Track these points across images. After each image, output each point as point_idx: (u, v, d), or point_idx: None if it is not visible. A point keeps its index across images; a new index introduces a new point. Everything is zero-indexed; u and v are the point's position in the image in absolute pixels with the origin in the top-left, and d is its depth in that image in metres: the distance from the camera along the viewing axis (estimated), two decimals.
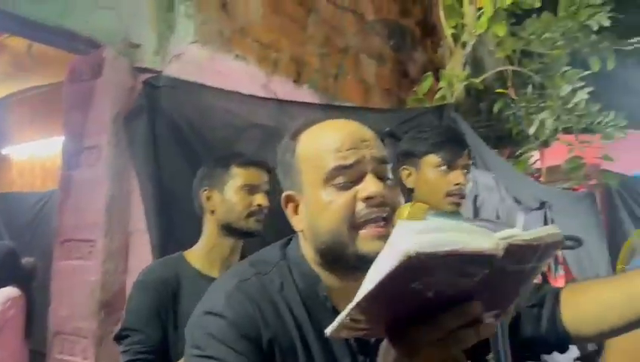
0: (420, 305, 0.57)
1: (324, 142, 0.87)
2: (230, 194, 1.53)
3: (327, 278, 0.89)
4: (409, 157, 1.58)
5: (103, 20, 1.90)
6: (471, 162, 1.54)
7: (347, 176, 0.84)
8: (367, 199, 0.83)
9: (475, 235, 0.53)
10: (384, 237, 0.82)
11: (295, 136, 0.91)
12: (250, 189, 1.53)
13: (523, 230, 0.57)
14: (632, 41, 3.14)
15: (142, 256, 1.84)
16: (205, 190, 1.57)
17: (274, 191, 1.58)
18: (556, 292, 0.99)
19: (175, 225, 1.80)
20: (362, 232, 0.83)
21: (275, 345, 0.83)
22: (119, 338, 1.46)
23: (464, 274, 0.54)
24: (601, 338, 0.96)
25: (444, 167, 1.49)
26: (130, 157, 1.91)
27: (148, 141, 1.88)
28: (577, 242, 0.73)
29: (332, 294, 0.89)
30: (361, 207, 0.83)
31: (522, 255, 0.55)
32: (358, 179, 0.85)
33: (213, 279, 1.50)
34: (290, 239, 0.96)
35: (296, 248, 0.92)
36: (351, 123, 0.91)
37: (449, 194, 1.49)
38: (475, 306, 0.57)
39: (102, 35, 1.91)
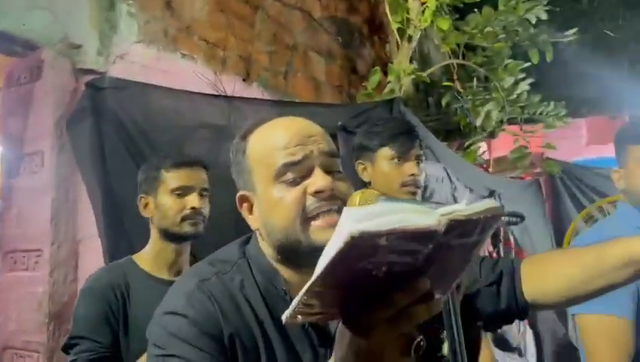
0: (370, 285, 0.58)
1: (273, 141, 0.89)
2: (163, 200, 1.51)
3: (285, 273, 0.90)
4: (363, 151, 1.61)
5: (40, 21, 1.82)
6: (422, 152, 1.59)
7: (296, 171, 0.86)
8: (317, 193, 0.85)
9: (418, 213, 0.54)
10: (335, 225, 0.83)
11: (245, 136, 0.93)
12: (182, 192, 1.50)
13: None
14: (568, 33, 3.28)
15: (93, 263, 1.78)
16: (142, 197, 1.55)
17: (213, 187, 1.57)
18: (512, 268, 1.03)
19: (126, 230, 1.76)
20: (314, 223, 0.85)
21: (237, 341, 0.84)
22: (68, 347, 1.43)
23: (409, 251, 0.55)
24: (562, 306, 1.02)
25: (397, 159, 1.54)
26: (76, 162, 1.85)
27: (93, 145, 1.82)
28: (520, 218, 0.76)
29: (291, 288, 0.89)
30: (311, 201, 0.85)
31: (464, 229, 0.57)
32: (307, 174, 0.86)
33: (163, 281, 1.51)
34: (250, 237, 0.97)
35: (255, 245, 0.93)
36: (298, 120, 0.93)
37: (404, 185, 1.53)
38: (423, 282, 0.58)
39: (39, 37, 1.84)
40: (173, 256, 1.54)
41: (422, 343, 0.62)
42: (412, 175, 1.52)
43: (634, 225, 1.29)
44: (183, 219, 1.49)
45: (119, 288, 1.46)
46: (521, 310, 1.01)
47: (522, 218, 0.75)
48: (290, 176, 0.86)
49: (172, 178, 1.51)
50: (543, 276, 1.00)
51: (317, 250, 0.82)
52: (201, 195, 1.53)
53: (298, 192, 0.85)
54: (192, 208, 1.49)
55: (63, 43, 1.90)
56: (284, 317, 0.60)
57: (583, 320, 1.32)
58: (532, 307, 1.01)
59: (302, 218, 0.84)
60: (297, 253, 0.85)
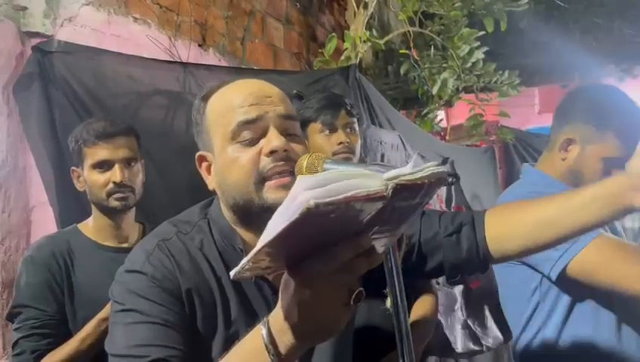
0: (316, 240, 0.61)
1: (229, 101, 0.91)
2: (87, 176, 1.50)
3: (243, 234, 0.94)
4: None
5: None
6: (354, 119, 1.64)
7: (252, 131, 0.88)
8: (271, 153, 0.87)
9: (366, 178, 0.57)
10: (289, 187, 0.86)
11: (206, 97, 0.95)
12: (102, 166, 1.49)
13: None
14: (521, 2, 3.34)
15: (45, 231, 1.76)
16: (73, 170, 1.55)
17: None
18: (472, 218, 1.04)
19: (78, 197, 1.73)
20: (268, 183, 0.87)
21: (195, 295, 0.88)
22: (12, 316, 1.44)
23: (359, 213, 0.58)
24: (529, 253, 1.02)
25: (327, 131, 1.60)
26: (23, 128, 1.80)
27: (42, 110, 1.78)
28: (456, 178, 0.81)
29: (247, 247, 0.93)
30: (265, 161, 0.87)
31: (409, 192, 0.60)
32: (263, 135, 0.88)
33: (109, 248, 1.53)
34: (213, 199, 1.00)
35: (217, 207, 0.97)
36: (257, 81, 0.95)
37: (335, 154, 1.57)
38: (366, 239, 0.62)
39: None
40: (111, 226, 1.55)
41: (361, 294, 0.66)
42: (340, 143, 1.57)
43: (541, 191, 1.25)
44: (109, 194, 1.49)
45: (62, 256, 1.47)
46: (483, 259, 1.02)
47: (458, 177, 0.79)
48: (245, 135, 0.88)
49: (91, 153, 1.49)
50: (508, 219, 1.01)
51: (268, 210, 0.85)
52: (129, 165, 1.51)
53: (254, 152, 0.87)
54: (114, 183, 1.48)
55: (8, 4, 1.82)
56: (232, 274, 0.63)
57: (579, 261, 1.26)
58: (497, 256, 1.02)
59: (256, 178, 0.87)
60: (250, 212, 0.89)
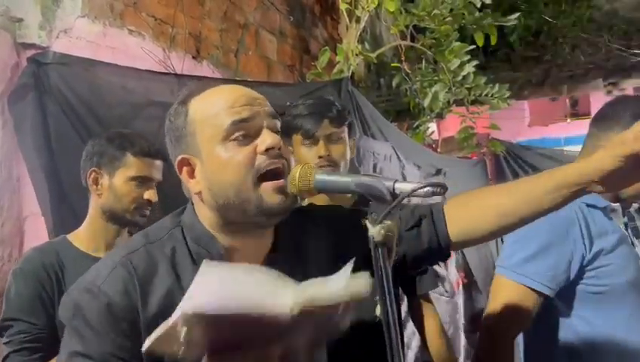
0: (239, 335, 0.67)
1: (218, 102, 0.91)
2: (120, 183, 1.48)
3: (223, 240, 0.93)
4: (285, 139, 1.62)
5: None
6: (340, 129, 1.55)
7: (245, 130, 0.90)
8: (267, 150, 0.89)
9: (274, 296, 0.62)
10: (284, 190, 0.90)
11: (185, 102, 0.94)
12: (142, 181, 1.49)
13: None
14: (511, 17, 3.40)
15: (38, 241, 1.75)
16: (93, 170, 1.51)
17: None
18: (430, 211, 1.06)
19: (72, 207, 1.74)
20: (265, 184, 0.89)
21: (159, 320, 0.81)
22: (2, 329, 1.40)
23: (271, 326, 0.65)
24: (492, 238, 1.05)
25: (307, 143, 1.53)
26: (17, 139, 1.80)
27: (36, 121, 1.78)
28: (443, 188, 0.82)
29: (229, 254, 0.92)
30: (261, 159, 0.89)
31: (320, 314, 0.65)
32: (256, 134, 0.91)
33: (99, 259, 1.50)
34: (185, 208, 0.98)
35: (190, 214, 0.95)
36: (240, 86, 0.97)
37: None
38: (273, 351, 0.69)
39: None
40: (111, 235, 1.53)
41: None
42: (320, 157, 1.50)
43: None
44: (137, 209, 1.49)
45: (52, 268, 1.44)
46: (444, 250, 1.05)
47: (445, 188, 0.81)
48: (239, 134, 0.89)
49: (136, 165, 1.48)
50: (471, 211, 1.03)
51: (263, 211, 0.88)
52: (157, 187, 1.53)
53: (249, 151, 0.89)
54: (149, 201, 1.49)
55: (4, 16, 1.84)
56: (145, 345, 0.69)
57: (498, 281, 1.37)
58: (461, 244, 1.06)
59: (253, 176, 0.89)
60: (244, 213, 0.89)
